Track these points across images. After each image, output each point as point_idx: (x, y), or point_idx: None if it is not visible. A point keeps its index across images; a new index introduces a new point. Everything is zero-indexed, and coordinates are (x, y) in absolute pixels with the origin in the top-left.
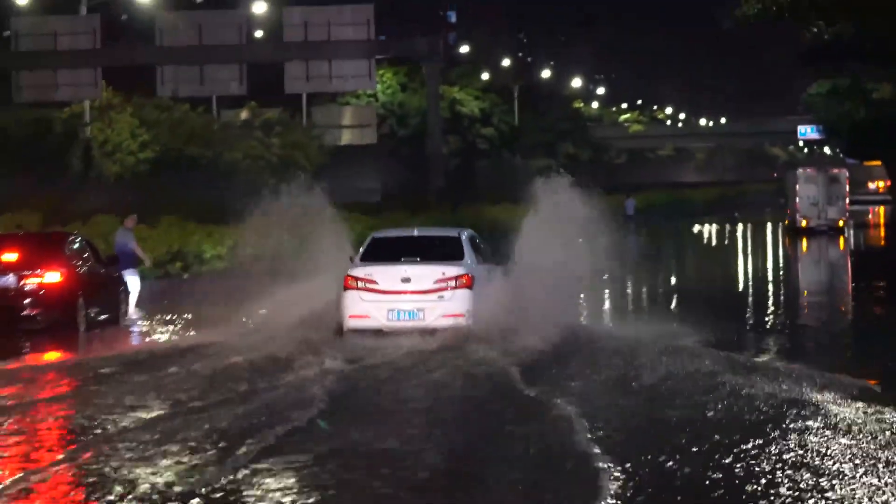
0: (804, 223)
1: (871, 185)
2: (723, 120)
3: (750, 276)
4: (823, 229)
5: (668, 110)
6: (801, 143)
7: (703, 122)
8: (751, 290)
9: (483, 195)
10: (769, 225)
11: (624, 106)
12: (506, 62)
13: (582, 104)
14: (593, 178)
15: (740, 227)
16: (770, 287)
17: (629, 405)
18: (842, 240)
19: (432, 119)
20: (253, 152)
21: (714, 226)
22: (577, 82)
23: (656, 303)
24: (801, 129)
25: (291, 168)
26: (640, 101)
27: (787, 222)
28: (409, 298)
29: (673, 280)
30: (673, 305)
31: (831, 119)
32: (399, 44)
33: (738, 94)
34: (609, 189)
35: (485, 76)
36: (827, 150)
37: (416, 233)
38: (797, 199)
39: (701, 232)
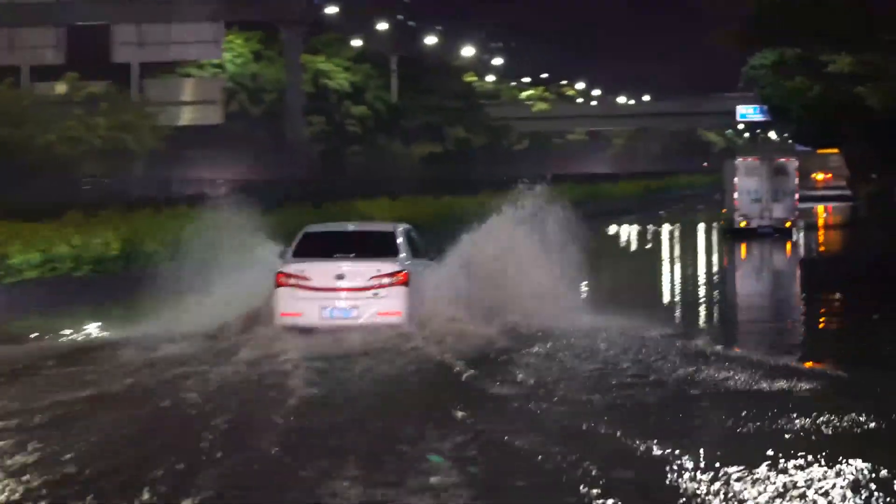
0: (744, 223)
1: (818, 178)
2: (646, 98)
3: (672, 289)
4: (767, 231)
5: (580, 86)
6: (740, 127)
7: (622, 100)
8: (673, 308)
9: (354, 189)
10: (702, 226)
11: (526, 80)
12: (382, 26)
13: (475, 78)
14: (488, 167)
15: (666, 228)
16: (697, 306)
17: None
18: (789, 245)
19: (292, 95)
20: (72, 134)
21: (634, 227)
22: (468, 51)
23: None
24: (740, 109)
25: (119, 154)
26: (545, 75)
27: (723, 222)
28: (343, 296)
29: (580, 293)
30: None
31: (778, 97)
32: (252, 4)
33: (665, 66)
34: (508, 181)
35: (356, 43)
36: (772, 134)
37: (350, 228)
38: (736, 195)
39: (617, 235)
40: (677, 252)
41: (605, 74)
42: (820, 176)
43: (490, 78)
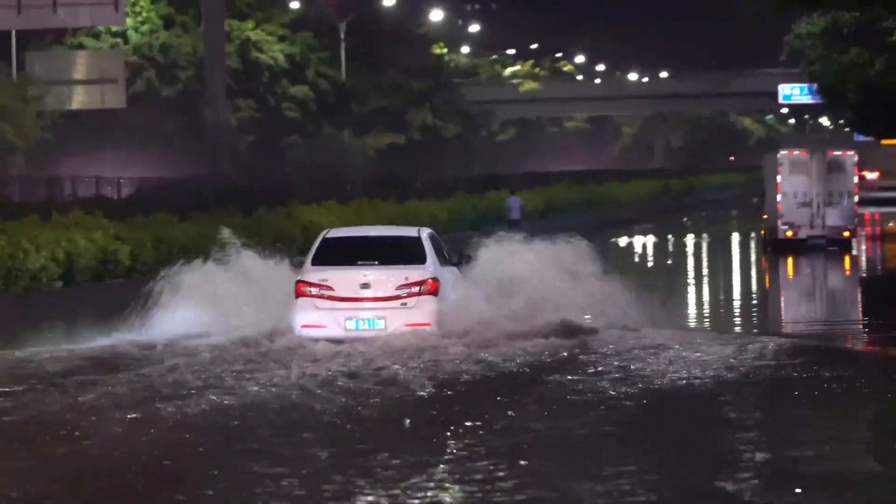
0: (790, 233)
1: (870, 176)
2: (663, 75)
3: (699, 318)
4: (819, 242)
5: (579, 60)
6: (784, 111)
7: (633, 77)
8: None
9: (294, 190)
10: (736, 237)
11: (511, 53)
12: None
13: (446, 50)
14: (463, 163)
15: (691, 240)
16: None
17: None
18: (848, 260)
19: (213, 72)
20: None
21: (650, 238)
22: (437, 16)
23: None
24: (784, 89)
25: None
26: (534, 46)
27: (763, 232)
28: (369, 306)
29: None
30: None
31: (830, 74)
32: None
33: (687, 35)
34: (488, 181)
35: (294, 5)
36: (824, 121)
37: (371, 232)
38: (779, 197)
39: (630, 248)
40: (704, 271)
41: (611, 45)
42: (871, 174)
43: (465, 50)
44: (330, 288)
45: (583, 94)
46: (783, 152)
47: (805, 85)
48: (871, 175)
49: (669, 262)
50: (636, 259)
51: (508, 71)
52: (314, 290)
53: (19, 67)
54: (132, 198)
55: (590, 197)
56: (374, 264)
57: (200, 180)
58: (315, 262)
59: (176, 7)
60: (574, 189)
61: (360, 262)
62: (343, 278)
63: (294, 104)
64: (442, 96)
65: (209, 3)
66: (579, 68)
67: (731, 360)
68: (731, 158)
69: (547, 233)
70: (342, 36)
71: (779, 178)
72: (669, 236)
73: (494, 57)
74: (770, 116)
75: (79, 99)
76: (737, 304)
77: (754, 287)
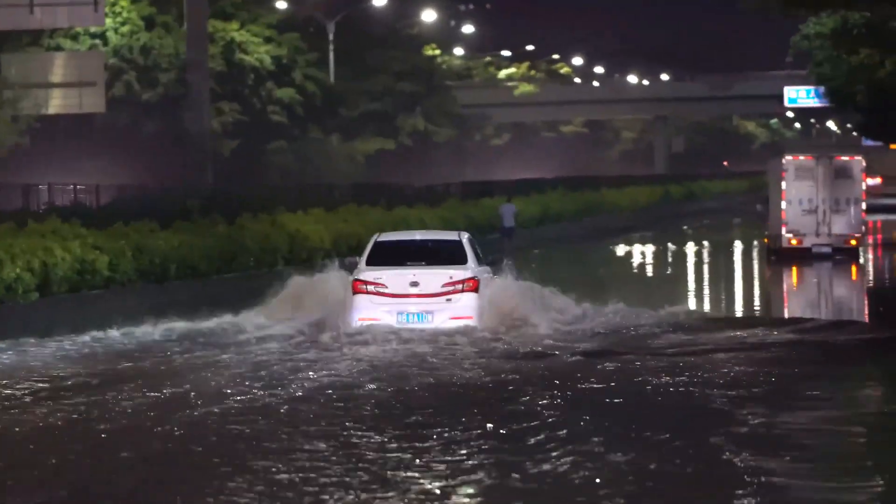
0: (794, 242)
1: (871, 182)
2: (665, 77)
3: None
4: (825, 251)
5: (577, 62)
6: (789, 115)
7: (632, 80)
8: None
9: (279, 198)
10: (738, 245)
11: (506, 55)
12: None
13: (438, 52)
14: (457, 169)
15: (691, 248)
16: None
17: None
18: (855, 270)
19: (196, 75)
20: None
21: (649, 247)
22: (429, 16)
23: None
24: (789, 92)
25: None
26: (530, 48)
27: (766, 241)
28: (417, 301)
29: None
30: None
31: (838, 76)
32: None
33: (689, 36)
34: (481, 188)
35: (281, 5)
36: (832, 125)
37: (418, 237)
38: (783, 204)
39: (628, 257)
40: (705, 280)
41: (610, 47)
42: (873, 181)
43: (458, 52)
44: (383, 286)
45: (580, 98)
46: (788, 157)
47: (812, 87)
48: (872, 181)
49: (669, 271)
50: (634, 269)
51: (503, 73)
52: (370, 288)
53: None
54: (111, 205)
55: (587, 204)
56: (422, 265)
57: (182, 187)
58: (369, 264)
59: (157, 7)
60: (571, 196)
61: (409, 263)
62: (395, 277)
63: (280, 108)
64: (434, 100)
65: (192, 2)
66: (577, 70)
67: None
68: (725, 164)
69: (536, 243)
70: (330, 37)
71: (783, 184)
72: (670, 244)
73: (489, 59)
74: (775, 120)
75: (56, 103)
76: (738, 316)
77: (756, 299)
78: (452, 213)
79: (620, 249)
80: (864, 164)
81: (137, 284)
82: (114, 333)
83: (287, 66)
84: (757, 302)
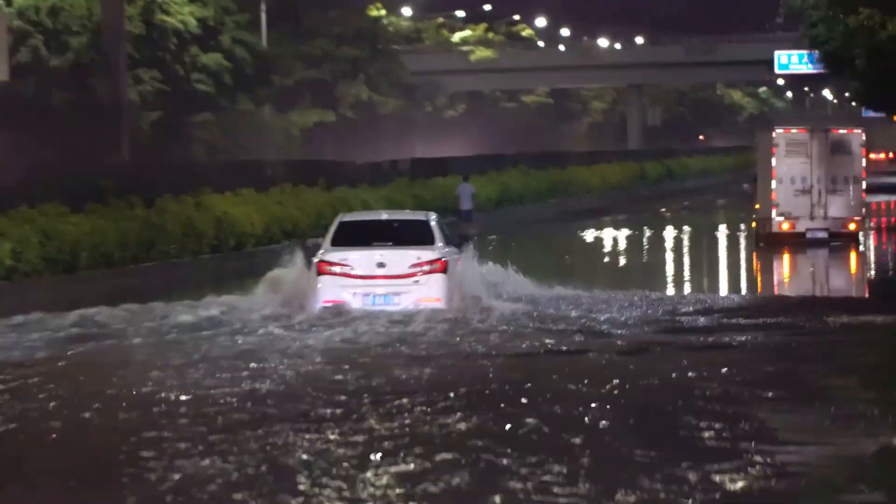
0: (786, 226)
1: (876, 158)
2: (639, 40)
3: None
4: (821, 237)
5: (540, 23)
6: (780, 82)
7: (603, 44)
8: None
9: (204, 177)
10: (722, 229)
11: (459, 15)
12: None
13: (384, 12)
14: (405, 143)
15: (670, 233)
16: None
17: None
18: (854, 257)
19: (111, 39)
20: None
21: (622, 231)
22: None
23: None
24: (780, 56)
25: None
26: (487, 7)
27: (755, 224)
28: (384, 283)
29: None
30: None
31: (835, 39)
32: None
33: None
34: (433, 165)
35: None
36: (827, 93)
37: (384, 216)
38: (773, 184)
39: (598, 243)
40: (685, 270)
41: (577, 6)
42: (877, 156)
43: (406, 12)
44: (349, 266)
45: (544, 64)
46: (779, 130)
47: (805, 52)
48: (877, 157)
49: (645, 259)
50: (605, 258)
51: (457, 36)
52: (335, 269)
53: None
54: (14, 186)
55: (552, 183)
56: (389, 245)
57: (95, 165)
58: (334, 244)
59: None
60: (534, 174)
61: (375, 243)
62: (361, 258)
63: (206, 75)
64: (379, 66)
65: None
66: (540, 33)
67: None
68: (701, 138)
69: (494, 228)
70: None
71: (773, 160)
72: (646, 229)
73: (441, 20)
74: (763, 89)
75: None
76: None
77: (744, 291)
78: (400, 193)
79: (590, 235)
80: (864, 137)
81: (44, 275)
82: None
83: (214, 29)
84: (743, 293)
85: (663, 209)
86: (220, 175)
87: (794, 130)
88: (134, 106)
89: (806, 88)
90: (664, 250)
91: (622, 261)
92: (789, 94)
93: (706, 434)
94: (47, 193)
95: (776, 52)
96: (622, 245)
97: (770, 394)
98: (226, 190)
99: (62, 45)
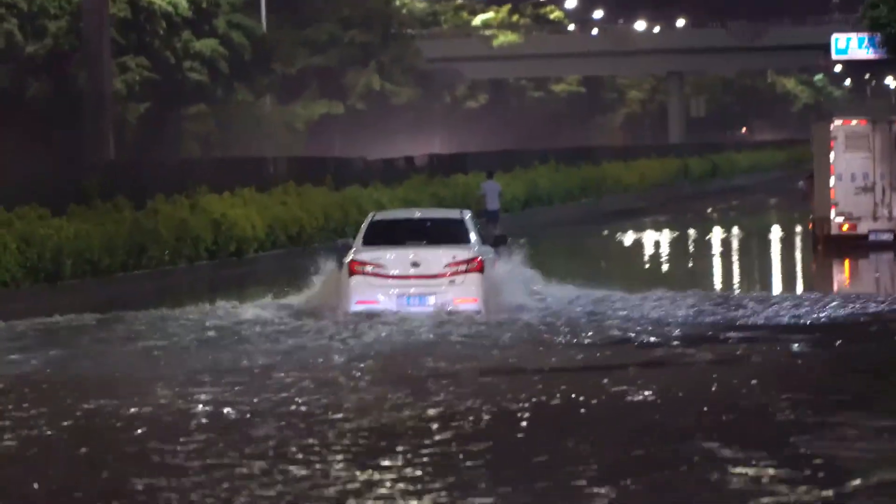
0: (846, 227)
1: None
2: (680, 23)
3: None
4: (885, 239)
5: (570, 5)
6: (838, 69)
7: (640, 27)
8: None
9: (199, 175)
10: (776, 230)
11: None
12: None
13: None
14: (422, 137)
15: (717, 236)
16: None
17: None
18: None
19: (93, 23)
20: None
21: (664, 233)
22: None
23: None
24: (837, 40)
25: None
26: None
27: (811, 226)
28: (418, 283)
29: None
30: None
31: None
32: None
33: None
34: (453, 161)
35: None
36: (890, 81)
37: (417, 214)
38: (832, 181)
39: (638, 246)
40: (735, 275)
41: None
42: None
43: None
44: (382, 266)
45: (575, 49)
46: (837, 122)
47: (865, 35)
48: None
49: (691, 264)
50: (646, 262)
51: (478, 19)
52: (368, 269)
53: None
54: None
55: (584, 182)
56: (423, 244)
57: (77, 163)
58: (366, 243)
59: None
60: (564, 171)
61: (409, 242)
62: (395, 257)
63: (199, 63)
64: (391, 52)
65: None
66: (571, 15)
67: None
68: (743, 130)
69: (525, 230)
70: None
71: (832, 155)
72: (690, 231)
73: (460, 1)
74: (819, 76)
75: None
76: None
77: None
78: (417, 193)
79: (628, 238)
80: None
81: (24, 284)
82: None
83: (207, 12)
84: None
85: (709, 209)
86: (216, 173)
87: (854, 122)
88: (119, 97)
89: (867, 75)
90: (709, 253)
91: (665, 267)
92: (848, 81)
93: None
94: (24, 195)
95: (833, 36)
96: (664, 246)
97: None
98: (223, 190)
99: (39, 30)
